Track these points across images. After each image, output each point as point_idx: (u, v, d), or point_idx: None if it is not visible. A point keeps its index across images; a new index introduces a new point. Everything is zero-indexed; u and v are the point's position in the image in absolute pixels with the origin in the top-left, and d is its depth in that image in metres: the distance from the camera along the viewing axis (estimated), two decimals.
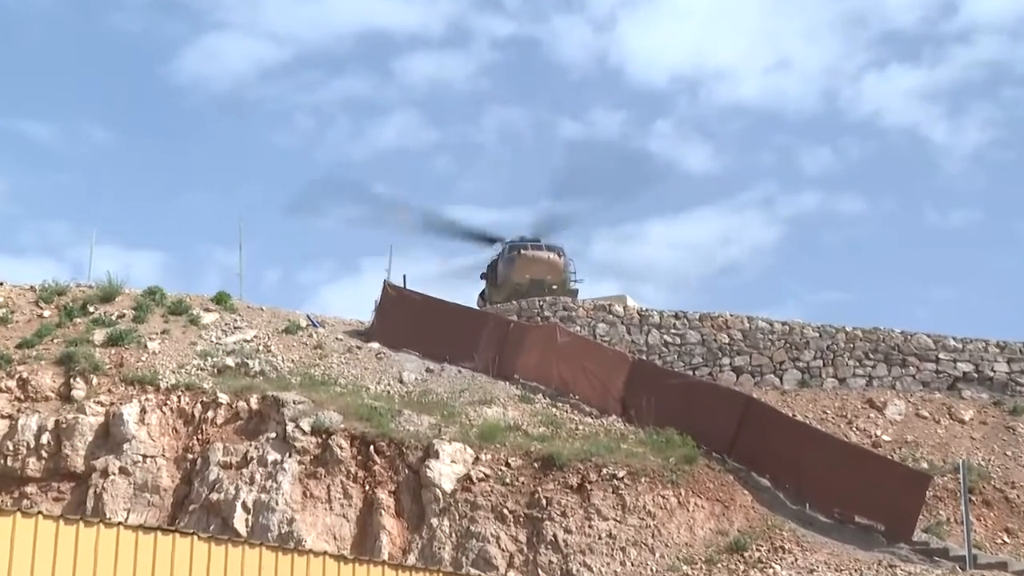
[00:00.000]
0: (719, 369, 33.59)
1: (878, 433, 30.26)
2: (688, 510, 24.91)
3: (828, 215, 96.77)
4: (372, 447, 26.02)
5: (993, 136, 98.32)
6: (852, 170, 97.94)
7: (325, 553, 16.76)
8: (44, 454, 27.00)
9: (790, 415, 29.79)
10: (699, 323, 34.39)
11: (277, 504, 25.22)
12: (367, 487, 25.63)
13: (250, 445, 26.61)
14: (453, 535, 24.52)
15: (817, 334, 33.57)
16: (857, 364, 32.89)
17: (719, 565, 23.60)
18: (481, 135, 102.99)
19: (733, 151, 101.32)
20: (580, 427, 28.56)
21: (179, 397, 27.91)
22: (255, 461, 26.17)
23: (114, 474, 26.42)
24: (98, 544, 13.67)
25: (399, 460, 25.81)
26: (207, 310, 33.44)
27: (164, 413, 27.57)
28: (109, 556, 13.75)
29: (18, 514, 13.20)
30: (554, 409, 29.61)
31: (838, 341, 33.32)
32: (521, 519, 24.51)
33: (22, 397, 28.06)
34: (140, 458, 26.68)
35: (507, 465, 25.63)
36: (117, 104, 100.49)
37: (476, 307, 39.55)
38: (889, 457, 28.21)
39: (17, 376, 28.43)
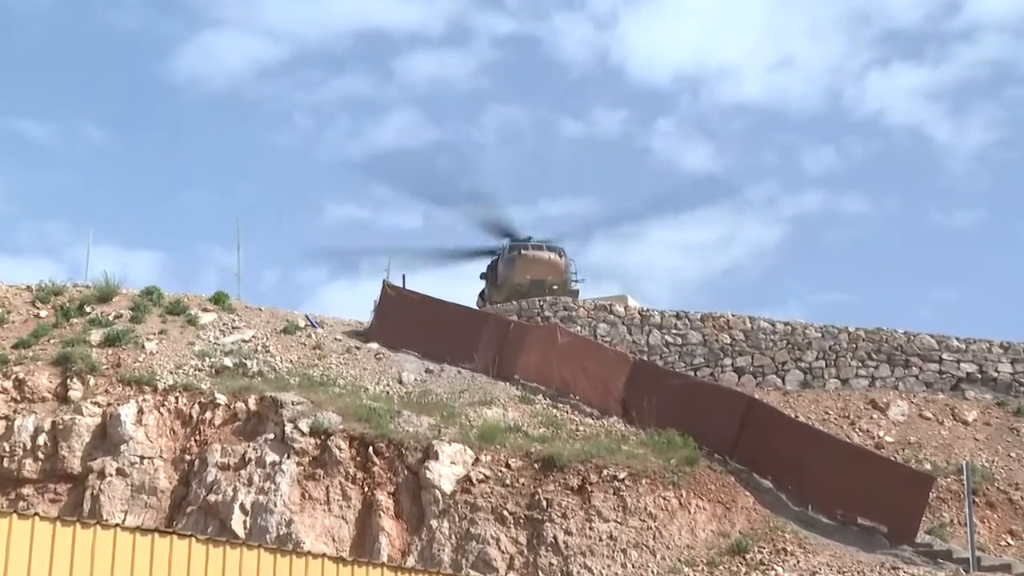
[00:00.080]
0: (721, 370, 33.52)
1: (881, 434, 30.19)
2: (689, 512, 24.83)
3: (831, 215, 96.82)
4: (371, 448, 25.92)
5: (997, 136, 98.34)
6: (855, 170, 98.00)
7: (324, 555, 16.75)
8: (41, 455, 26.85)
9: (792, 416, 29.69)
10: (701, 323, 34.33)
11: (275, 506, 25.11)
12: (366, 488, 25.54)
13: (248, 446, 26.49)
14: (453, 537, 24.43)
15: (820, 334, 33.50)
16: (860, 365, 32.82)
17: (721, 567, 23.53)
18: (481, 134, 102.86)
19: (735, 150, 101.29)
20: (581, 428, 28.48)
21: (177, 398, 27.79)
22: (253, 462, 26.06)
23: (111, 475, 26.30)
24: (95, 546, 13.70)
25: (398, 461, 25.71)
26: (205, 310, 33.37)
27: (162, 414, 27.45)
28: (106, 558, 13.77)
29: (14, 516, 13.17)
30: (554, 410, 29.53)
31: (841, 341, 33.25)
32: (521, 521, 24.43)
33: (18, 398, 27.93)
34: (137, 459, 26.55)
35: (507, 466, 25.55)
36: (114, 103, 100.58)
37: (475, 307, 39.35)
38: (892, 458, 28.10)
39: (13, 377, 28.29)
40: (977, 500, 26.44)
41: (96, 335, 30.37)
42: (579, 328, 34.35)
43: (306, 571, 15.89)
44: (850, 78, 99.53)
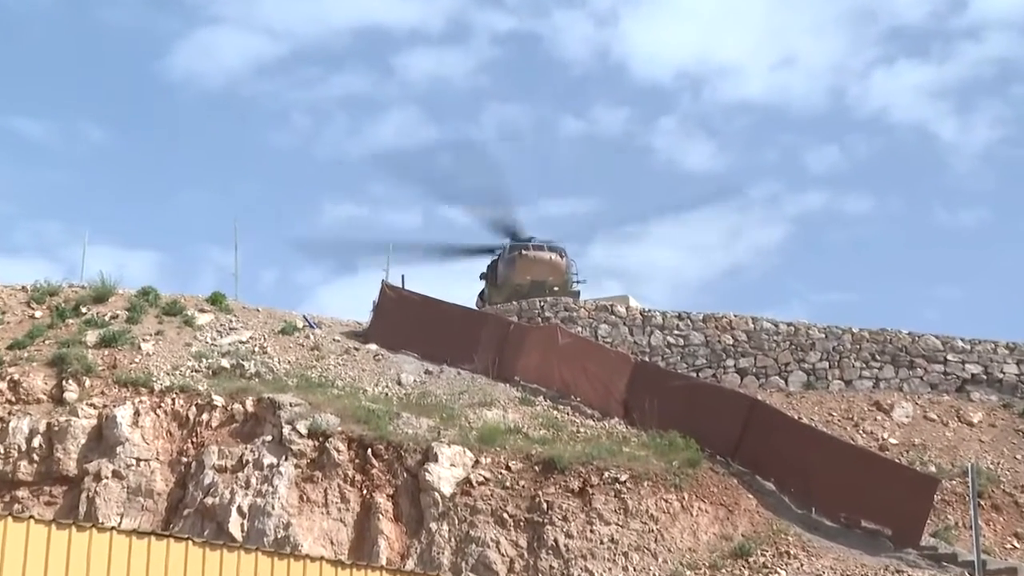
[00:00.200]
0: (723, 371, 33.38)
1: (885, 436, 30.05)
2: (692, 514, 24.74)
3: (834, 214, 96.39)
4: (370, 450, 25.82)
5: (1003, 134, 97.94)
6: (859, 168, 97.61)
7: (322, 558, 16.74)
8: (36, 457, 26.73)
9: (795, 417, 29.54)
10: (703, 324, 34.23)
11: (273, 508, 24.98)
12: (365, 491, 25.44)
13: (246, 448, 26.39)
14: (452, 540, 24.34)
15: (823, 335, 33.38)
16: (864, 366, 32.71)
17: (723, 570, 23.47)
18: (481, 132, 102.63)
19: (737, 149, 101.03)
20: (581, 430, 28.38)
21: (173, 399, 27.69)
22: (251, 464, 25.96)
23: (107, 478, 26.18)
24: (91, 549, 13.75)
25: (397, 463, 25.60)
26: (202, 311, 33.26)
27: (158, 415, 27.34)
28: (102, 562, 13.82)
29: (9, 519, 13.21)
30: (555, 411, 29.45)
31: (844, 342, 33.14)
32: (521, 523, 24.33)
33: (13, 399, 27.78)
34: (134, 461, 26.44)
35: (507, 468, 25.45)
36: (111, 101, 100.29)
37: (475, 308, 39.20)
38: (896, 460, 27.97)
39: (8, 378, 28.14)
40: (982, 503, 26.32)
41: (92, 336, 30.23)
42: (580, 329, 34.24)
43: (304, 574, 15.86)
44: (854, 76, 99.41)
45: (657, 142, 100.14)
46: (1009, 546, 26.21)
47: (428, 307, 33.72)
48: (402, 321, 33.20)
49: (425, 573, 22.08)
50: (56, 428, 26.96)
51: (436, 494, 24.83)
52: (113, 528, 14.51)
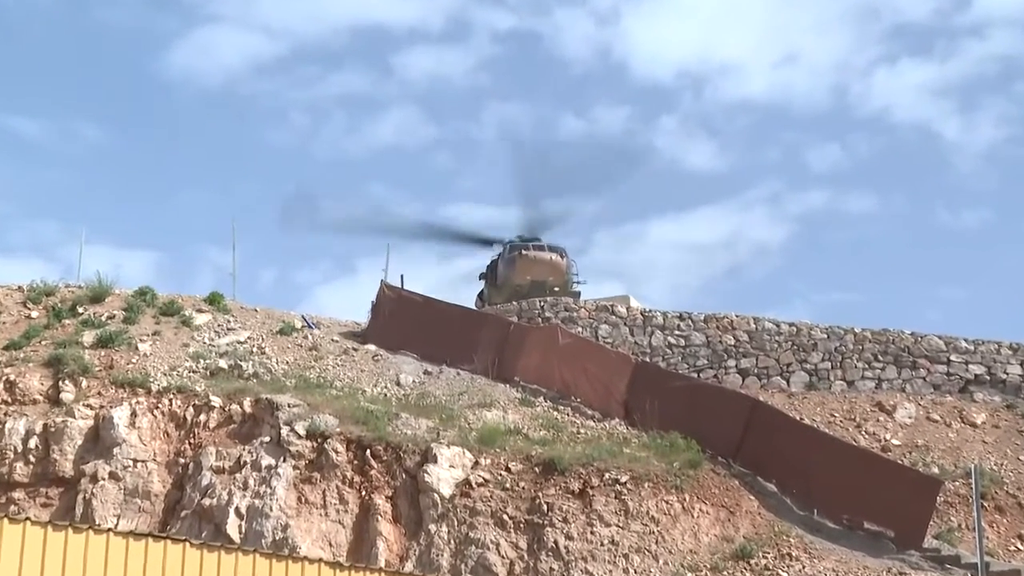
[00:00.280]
0: (724, 371, 33.28)
1: (888, 437, 29.96)
2: (693, 516, 24.68)
3: (836, 213, 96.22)
4: (369, 451, 25.74)
5: (1007, 133, 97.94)
6: (861, 167, 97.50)
7: (320, 560, 16.75)
8: (32, 459, 26.63)
9: (797, 418, 29.45)
10: (704, 324, 34.13)
11: (271, 510, 24.91)
12: (363, 492, 25.37)
13: (243, 449, 26.30)
14: (452, 542, 24.27)
15: (825, 335, 33.29)
16: (866, 366, 32.62)
17: (724, 573, 23.45)
18: (481, 131, 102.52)
19: (739, 148, 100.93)
20: (582, 431, 28.31)
21: (171, 400, 27.61)
22: (248, 466, 25.87)
23: (104, 479, 26.08)
24: (87, 551, 13.76)
25: (396, 465, 25.53)
26: (199, 311, 33.14)
27: (155, 416, 27.25)
28: (98, 563, 13.82)
29: (5, 520, 13.18)
30: (555, 412, 29.37)
31: (846, 343, 33.04)
32: (521, 525, 24.28)
33: (9, 400, 27.67)
34: (131, 463, 26.34)
35: (507, 470, 25.39)
36: (108, 100, 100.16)
37: (474, 308, 39.12)
38: (899, 462, 27.90)
39: (4, 378, 28.04)
40: (986, 504, 26.17)
41: (88, 336, 30.13)
42: (580, 329, 34.15)
43: None
44: (856, 74, 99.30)
45: (658, 141, 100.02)
46: (1013, 548, 26.13)
47: (427, 307, 33.65)
48: (401, 321, 33.11)
49: (424, 575, 21.98)
50: (52, 429, 26.85)
51: (435, 495, 24.75)
52: (110, 530, 14.52)
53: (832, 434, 28.82)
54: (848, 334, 33.18)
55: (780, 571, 23.31)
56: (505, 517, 24.32)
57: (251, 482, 25.48)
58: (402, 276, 37.06)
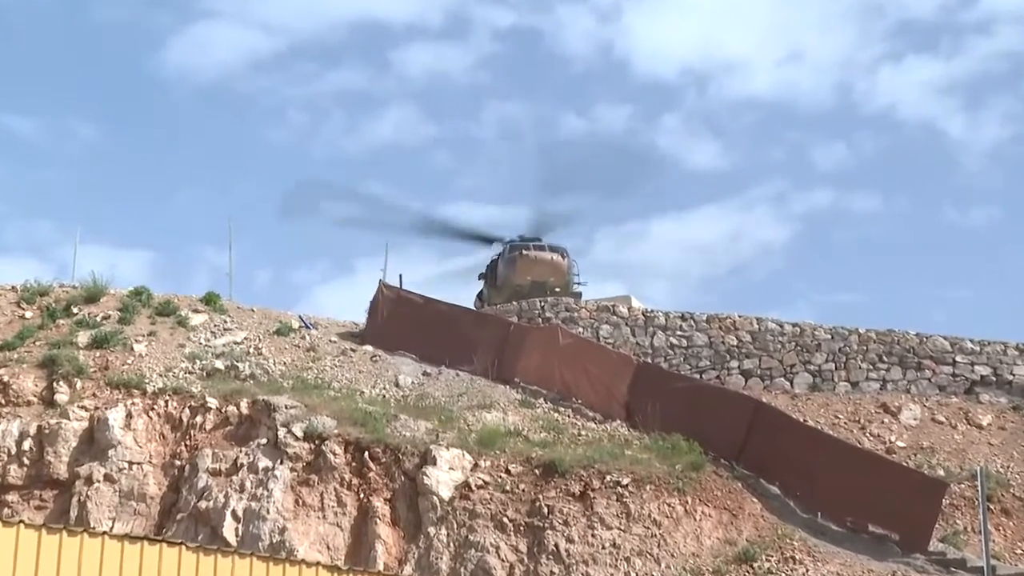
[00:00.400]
0: (727, 372, 33.17)
1: (892, 439, 29.87)
2: (695, 519, 24.62)
3: (841, 213, 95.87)
4: (367, 453, 25.69)
5: (1013, 131, 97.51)
6: (866, 166, 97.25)
7: (318, 563, 16.97)
8: (26, 461, 26.54)
9: (801, 420, 29.39)
10: (706, 324, 34.04)
11: (268, 513, 24.83)
12: (362, 495, 25.31)
13: (240, 451, 26.23)
14: (451, 545, 24.21)
15: (829, 336, 33.18)
16: (871, 367, 32.48)
17: None
18: (480, 130, 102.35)
19: (743, 147, 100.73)
20: (583, 432, 28.25)
21: (166, 401, 27.54)
22: (245, 468, 25.81)
23: (99, 481, 26.00)
24: (82, 554, 13.84)
25: (395, 467, 25.48)
26: (196, 311, 33.07)
27: (151, 418, 27.16)
28: (94, 567, 13.90)
29: None
30: (556, 414, 29.32)
31: (851, 343, 32.91)
32: (521, 528, 24.22)
33: (3, 402, 27.56)
34: (126, 465, 26.27)
35: (507, 472, 25.32)
36: (103, 98, 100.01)
37: (473, 308, 39.01)
38: (904, 464, 27.84)
39: None
40: (992, 507, 26.19)
41: (83, 337, 30.03)
42: (581, 329, 34.09)
43: None
44: (861, 72, 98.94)
45: (661, 140, 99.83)
46: (1019, 551, 26.13)
47: (426, 307, 33.59)
48: (400, 322, 33.08)
49: None
50: (47, 431, 26.76)
51: (434, 498, 24.69)
52: (105, 533, 14.56)
53: (836, 436, 28.75)
54: (852, 335, 33.06)
55: (783, 574, 23.28)
56: (505, 520, 24.25)
57: (248, 484, 25.39)
58: (401, 276, 37.12)
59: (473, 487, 24.84)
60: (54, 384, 27.86)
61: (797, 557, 23.88)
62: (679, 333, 33.90)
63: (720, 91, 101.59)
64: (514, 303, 36.34)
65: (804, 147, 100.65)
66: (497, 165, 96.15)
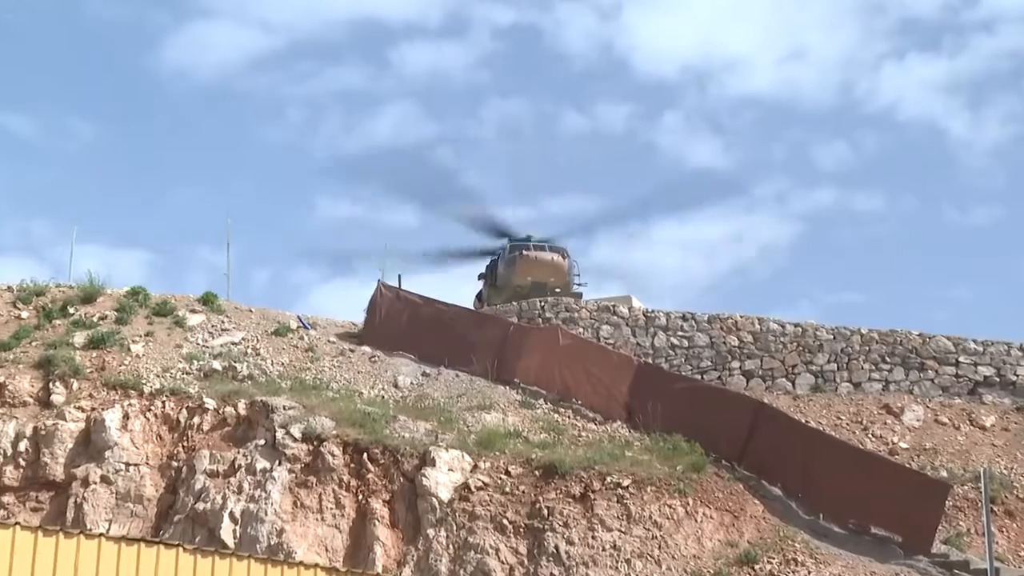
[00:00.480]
0: (728, 373, 33.00)
1: (895, 440, 29.75)
2: (696, 520, 24.57)
3: (843, 212, 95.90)
4: (366, 455, 25.68)
5: (1016, 130, 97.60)
6: (868, 165, 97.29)
7: (316, 565, 17.34)
8: (22, 462, 26.53)
9: (803, 421, 29.34)
10: (708, 325, 33.90)
11: (266, 514, 24.80)
12: (360, 496, 25.31)
13: (238, 452, 26.23)
14: (450, 546, 24.19)
15: (831, 336, 33.03)
16: (873, 368, 32.32)
17: None
18: (480, 129, 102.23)
19: (744, 145, 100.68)
20: (583, 433, 28.26)
21: (164, 402, 27.52)
22: (243, 469, 25.79)
23: (95, 483, 26.00)
24: (79, 556, 13.96)
25: (394, 468, 25.45)
26: (193, 311, 33.06)
27: (148, 419, 27.15)
28: (90, 569, 14.01)
29: None
30: (556, 415, 29.32)
31: (853, 344, 32.76)
32: (521, 530, 24.20)
33: None
34: (123, 466, 26.27)
35: (507, 473, 25.30)
36: (100, 97, 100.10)
37: (472, 308, 38.90)
38: (907, 465, 27.70)
39: None
40: (995, 509, 26.08)
41: (80, 337, 29.99)
42: (581, 330, 34.00)
43: None
44: (864, 70, 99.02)
45: (662, 138, 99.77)
46: (1023, 554, 25.91)
47: (425, 307, 33.52)
48: (399, 322, 33.09)
49: None
50: (43, 432, 26.73)
51: (434, 500, 24.67)
52: (101, 535, 14.71)
53: (838, 437, 28.66)
54: (855, 335, 32.93)
55: None
56: (505, 521, 24.23)
57: (246, 486, 25.38)
58: (399, 276, 37.02)
59: (473, 488, 24.82)
60: (50, 385, 27.85)
61: (799, 559, 23.80)
62: (680, 333, 33.77)
63: (721, 89, 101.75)
64: (514, 303, 36.27)
65: (805, 146, 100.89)
66: (497, 164, 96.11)
